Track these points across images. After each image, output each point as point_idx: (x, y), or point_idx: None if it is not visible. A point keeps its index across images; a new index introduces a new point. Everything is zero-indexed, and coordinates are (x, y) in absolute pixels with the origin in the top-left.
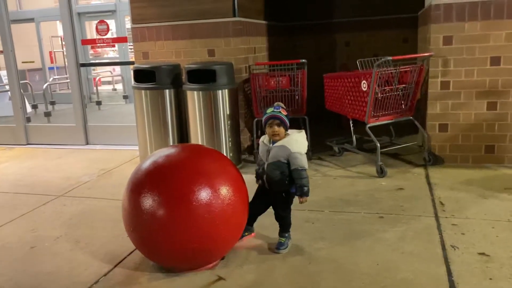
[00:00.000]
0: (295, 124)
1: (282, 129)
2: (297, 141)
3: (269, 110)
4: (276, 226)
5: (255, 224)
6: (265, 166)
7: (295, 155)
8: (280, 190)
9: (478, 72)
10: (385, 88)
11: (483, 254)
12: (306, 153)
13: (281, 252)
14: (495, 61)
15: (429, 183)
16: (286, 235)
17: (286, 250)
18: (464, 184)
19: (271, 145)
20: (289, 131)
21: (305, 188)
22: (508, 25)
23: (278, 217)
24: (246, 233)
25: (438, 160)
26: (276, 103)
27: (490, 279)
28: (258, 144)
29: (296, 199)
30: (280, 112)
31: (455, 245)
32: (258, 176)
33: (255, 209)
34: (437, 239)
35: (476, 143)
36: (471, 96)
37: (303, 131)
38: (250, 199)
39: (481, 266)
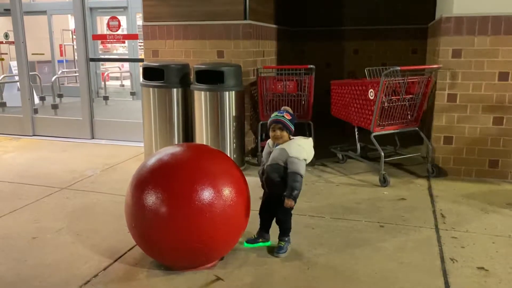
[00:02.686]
0: (301, 129)
1: (284, 133)
2: (298, 146)
3: (274, 114)
4: (276, 229)
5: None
6: (265, 167)
7: (292, 160)
8: (278, 192)
9: (485, 87)
10: (392, 97)
11: (482, 268)
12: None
13: (280, 256)
14: (503, 76)
15: (431, 195)
16: (286, 239)
17: (285, 254)
18: (466, 197)
19: (273, 147)
20: (296, 137)
21: (295, 192)
22: None
23: (277, 221)
24: (261, 240)
25: (442, 172)
26: (282, 108)
27: None
28: (262, 147)
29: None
30: (283, 116)
31: (454, 258)
32: (260, 177)
33: (264, 217)
34: (436, 251)
35: (480, 157)
36: (477, 110)
37: (310, 139)
38: (252, 200)
39: (479, 280)
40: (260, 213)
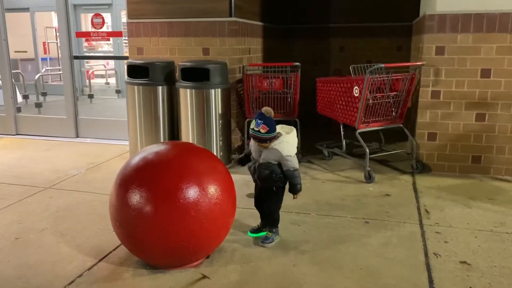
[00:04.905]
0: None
1: (264, 144)
2: (288, 143)
3: (252, 125)
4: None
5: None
6: (257, 165)
7: (286, 158)
8: (269, 186)
9: (468, 83)
10: (377, 94)
11: (464, 262)
12: (296, 155)
13: (266, 246)
14: (486, 73)
15: (415, 191)
16: (274, 230)
17: (272, 244)
18: (450, 193)
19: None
20: (280, 127)
21: (298, 186)
22: (499, 38)
23: (266, 212)
24: (264, 229)
25: (426, 168)
26: (263, 109)
27: (470, 287)
28: (248, 145)
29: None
30: (259, 131)
31: (437, 253)
32: (252, 173)
33: (260, 208)
34: (420, 246)
35: (463, 153)
36: (460, 107)
37: (294, 131)
38: (238, 198)
39: (462, 274)
40: (256, 206)
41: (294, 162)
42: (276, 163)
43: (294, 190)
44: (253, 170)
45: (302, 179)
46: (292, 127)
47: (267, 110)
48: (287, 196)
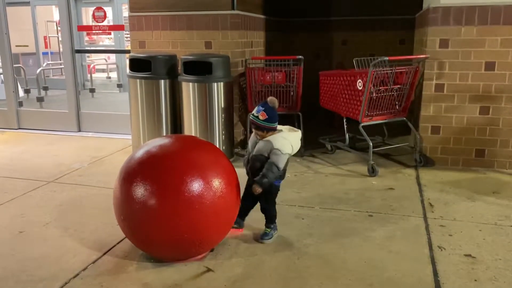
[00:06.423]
0: (289, 120)
1: (260, 132)
2: (284, 139)
3: (254, 111)
4: (262, 218)
5: (247, 219)
6: (250, 156)
7: (275, 151)
8: None
9: (472, 76)
10: (380, 88)
11: (469, 255)
12: (299, 150)
13: (265, 242)
14: (490, 66)
15: (419, 184)
16: (272, 226)
17: (270, 240)
18: (454, 186)
19: (259, 139)
20: (284, 127)
21: (265, 180)
22: (504, 31)
23: (261, 209)
24: (235, 226)
25: (429, 162)
26: (269, 99)
27: (475, 280)
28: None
29: (279, 194)
30: (257, 117)
31: (442, 246)
32: (245, 164)
33: (245, 203)
34: (424, 239)
35: (467, 147)
36: (464, 100)
37: (298, 132)
38: (241, 191)
39: (466, 267)
40: (241, 199)
41: (279, 158)
42: (268, 156)
43: (260, 179)
44: (247, 162)
45: (305, 173)
46: (298, 130)
47: (271, 100)
48: (290, 190)
